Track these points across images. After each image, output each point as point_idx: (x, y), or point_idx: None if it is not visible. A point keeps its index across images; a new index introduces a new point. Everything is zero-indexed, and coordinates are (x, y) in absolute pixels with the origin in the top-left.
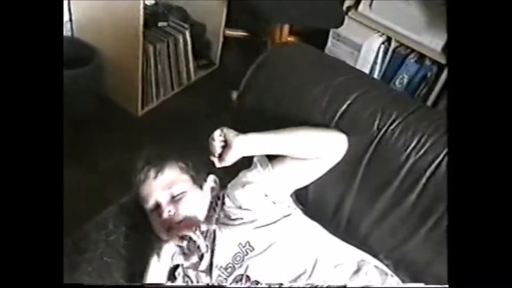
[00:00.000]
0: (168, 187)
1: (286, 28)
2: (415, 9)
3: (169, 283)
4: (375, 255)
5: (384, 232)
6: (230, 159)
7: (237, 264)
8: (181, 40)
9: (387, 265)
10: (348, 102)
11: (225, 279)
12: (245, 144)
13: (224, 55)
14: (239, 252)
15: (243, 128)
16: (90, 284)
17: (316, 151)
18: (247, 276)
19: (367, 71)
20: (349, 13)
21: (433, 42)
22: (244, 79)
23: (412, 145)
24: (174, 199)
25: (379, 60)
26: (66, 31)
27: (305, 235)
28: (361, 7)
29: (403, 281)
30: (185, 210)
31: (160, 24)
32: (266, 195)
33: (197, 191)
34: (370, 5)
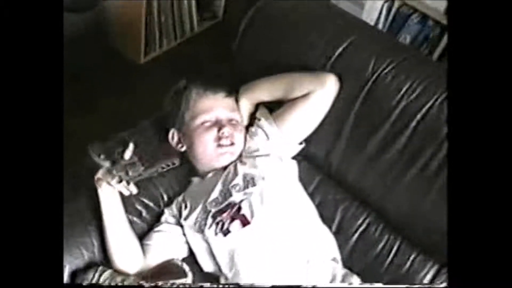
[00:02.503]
0: (232, 110)
1: None
2: None
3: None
4: (364, 199)
5: (374, 175)
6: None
7: (236, 191)
8: None
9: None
10: (343, 45)
11: (219, 203)
12: (246, 91)
13: (228, 9)
14: (239, 184)
15: (242, 75)
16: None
17: (307, 86)
18: (239, 207)
19: None
20: None
21: (436, 2)
22: (240, 28)
23: (404, 89)
24: (231, 123)
25: (382, 19)
26: None
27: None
28: None
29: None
30: (237, 137)
31: None
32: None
33: (244, 128)
34: None
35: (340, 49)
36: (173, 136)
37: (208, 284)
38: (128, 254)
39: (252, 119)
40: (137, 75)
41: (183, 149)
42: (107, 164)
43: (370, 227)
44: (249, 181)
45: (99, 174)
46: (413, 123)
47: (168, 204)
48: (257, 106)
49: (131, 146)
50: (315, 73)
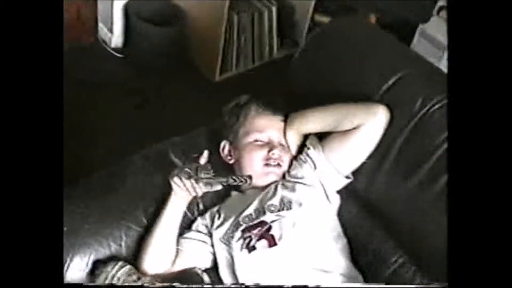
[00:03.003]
0: (282, 134)
1: (372, 19)
2: None
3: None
4: (399, 237)
5: (412, 214)
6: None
7: (270, 212)
8: (266, 15)
9: None
10: (396, 77)
11: (251, 220)
12: (295, 121)
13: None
14: (275, 205)
15: (295, 100)
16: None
17: (358, 118)
18: (270, 227)
19: None
20: (441, 13)
21: None
22: (299, 48)
23: None
24: (281, 145)
25: None
26: None
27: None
28: None
29: None
30: (285, 159)
31: None
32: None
33: (290, 152)
34: None
35: (392, 81)
36: (224, 147)
37: (210, 285)
38: (162, 258)
39: (302, 147)
40: (209, 92)
41: (232, 161)
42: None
43: (402, 268)
44: (285, 204)
45: (173, 172)
46: None
47: (202, 213)
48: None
49: (206, 153)
50: (365, 104)
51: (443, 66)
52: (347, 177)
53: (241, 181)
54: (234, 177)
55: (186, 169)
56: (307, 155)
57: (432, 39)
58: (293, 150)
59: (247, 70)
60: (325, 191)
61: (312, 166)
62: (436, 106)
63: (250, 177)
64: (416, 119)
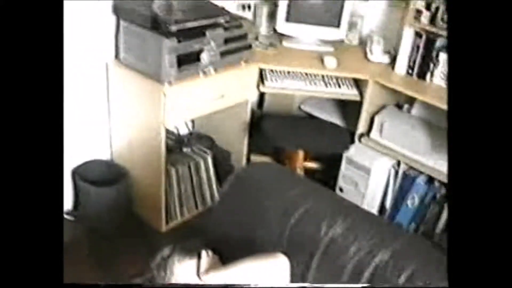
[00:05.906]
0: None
1: (300, 153)
2: (420, 133)
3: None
4: None
5: None
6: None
7: None
8: (202, 164)
9: None
10: (297, 217)
11: None
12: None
13: None
14: None
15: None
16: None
17: (261, 280)
18: None
19: (380, 193)
20: (362, 140)
21: (437, 163)
22: (220, 192)
23: (353, 248)
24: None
25: (391, 182)
26: (107, 156)
27: None
28: (372, 134)
29: None
30: None
31: (184, 149)
32: None
33: None
34: (381, 131)
35: (293, 221)
36: None
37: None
38: None
39: None
40: (158, 243)
41: None
42: None
43: None
44: None
45: None
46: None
47: None
48: None
49: None
50: (270, 264)
51: (372, 187)
52: None
53: None
54: None
55: None
56: None
57: (357, 164)
58: None
59: (192, 216)
60: None
61: None
62: (338, 230)
63: None
64: (323, 244)
